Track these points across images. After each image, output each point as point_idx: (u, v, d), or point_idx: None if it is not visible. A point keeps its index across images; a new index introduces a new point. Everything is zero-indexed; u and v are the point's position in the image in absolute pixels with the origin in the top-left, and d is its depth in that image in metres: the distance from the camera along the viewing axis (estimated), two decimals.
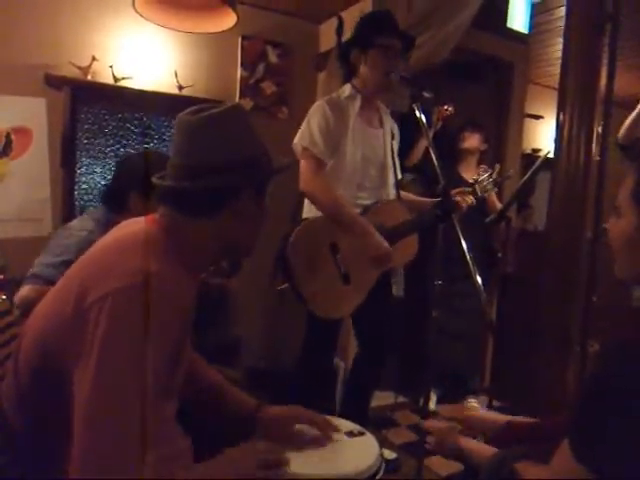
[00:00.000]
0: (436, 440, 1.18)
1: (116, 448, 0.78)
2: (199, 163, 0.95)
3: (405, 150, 2.50)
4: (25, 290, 1.46)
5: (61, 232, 1.65)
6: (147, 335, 0.82)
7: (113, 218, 1.66)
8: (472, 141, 2.91)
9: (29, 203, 2.44)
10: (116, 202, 1.68)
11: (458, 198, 2.04)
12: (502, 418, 1.16)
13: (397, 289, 2.09)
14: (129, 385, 0.80)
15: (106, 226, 1.61)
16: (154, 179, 1.01)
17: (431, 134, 2.53)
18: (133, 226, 1.01)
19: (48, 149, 2.47)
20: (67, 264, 1.46)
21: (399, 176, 2.14)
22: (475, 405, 2.89)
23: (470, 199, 2.08)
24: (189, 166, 0.96)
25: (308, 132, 1.91)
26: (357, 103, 1.98)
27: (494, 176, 2.21)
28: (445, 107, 2.72)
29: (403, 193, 2.18)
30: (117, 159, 2.61)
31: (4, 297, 1.37)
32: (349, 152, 1.94)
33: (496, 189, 2.35)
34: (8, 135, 2.39)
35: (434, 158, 1.59)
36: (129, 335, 0.81)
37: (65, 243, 1.56)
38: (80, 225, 1.66)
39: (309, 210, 1.98)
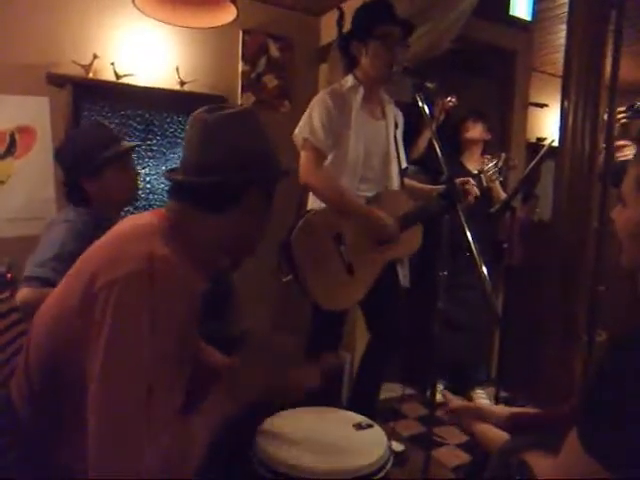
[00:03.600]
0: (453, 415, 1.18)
1: (120, 444, 0.78)
2: (212, 160, 0.98)
3: (408, 142, 2.49)
4: (22, 294, 1.44)
5: (45, 229, 1.62)
6: (154, 320, 0.83)
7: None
8: (475, 131, 2.89)
9: (34, 202, 2.45)
10: (76, 196, 1.65)
11: (466, 187, 2.03)
12: (505, 410, 1.16)
13: (403, 280, 2.09)
14: (136, 370, 0.81)
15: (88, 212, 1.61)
16: (168, 174, 1.04)
17: (434, 126, 2.51)
18: (139, 219, 1.03)
19: (52, 148, 2.48)
20: (55, 259, 1.46)
21: (403, 166, 2.13)
22: (482, 396, 2.89)
23: (475, 190, 2.07)
24: (203, 162, 0.99)
25: (309, 123, 1.90)
26: (359, 94, 1.97)
27: (499, 165, 2.19)
28: (448, 99, 2.70)
29: (407, 180, 2.16)
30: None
31: (9, 294, 1.38)
32: (351, 144, 1.93)
33: (501, 178, 2.34)
34: (12, 135, 2.40)
35: (437, 149, 1.58)
36: (136, 320, 0.82)
37: (49, 239, 1.54)
38: (61, 217, 1.63)
39: (314, 201, 1.98)
